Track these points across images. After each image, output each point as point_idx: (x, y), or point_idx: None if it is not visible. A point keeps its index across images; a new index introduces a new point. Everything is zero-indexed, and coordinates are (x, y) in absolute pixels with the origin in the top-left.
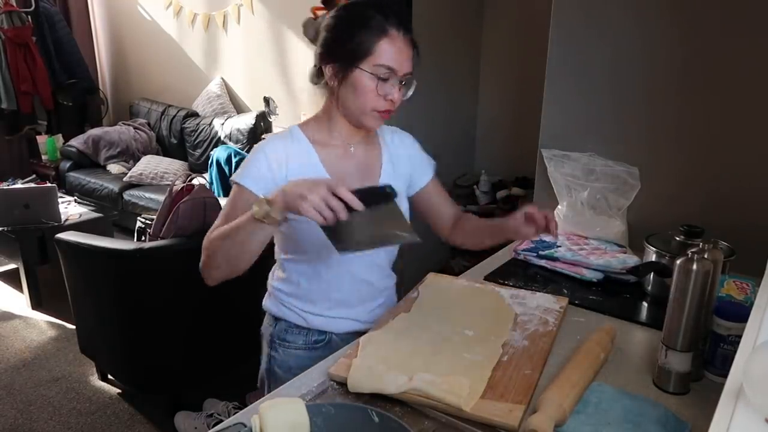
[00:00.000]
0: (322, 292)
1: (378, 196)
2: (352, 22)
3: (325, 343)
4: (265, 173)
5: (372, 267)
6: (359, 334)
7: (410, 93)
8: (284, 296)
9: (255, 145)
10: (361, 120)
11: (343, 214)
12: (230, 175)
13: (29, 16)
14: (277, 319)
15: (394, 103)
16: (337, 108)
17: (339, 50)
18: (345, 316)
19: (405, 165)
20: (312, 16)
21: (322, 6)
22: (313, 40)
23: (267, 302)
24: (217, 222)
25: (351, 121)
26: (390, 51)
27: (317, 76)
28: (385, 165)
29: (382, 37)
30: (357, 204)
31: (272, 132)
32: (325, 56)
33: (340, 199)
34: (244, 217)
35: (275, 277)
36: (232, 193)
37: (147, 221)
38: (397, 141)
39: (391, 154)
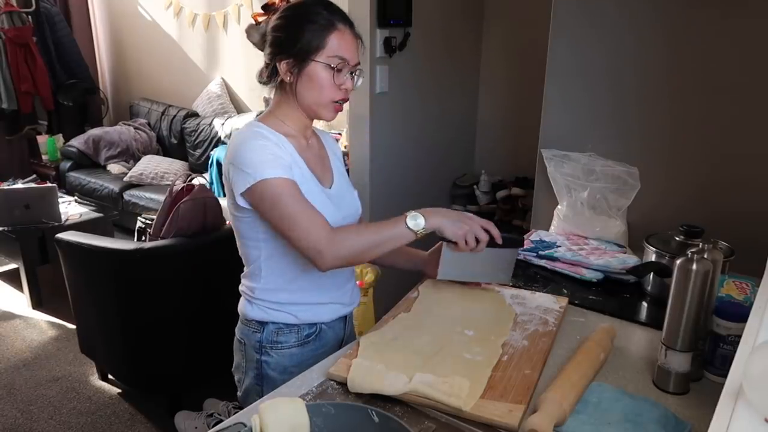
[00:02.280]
0: (311, 277)
1: (511, 243)
2: (301, 20)
3: (316, 335)
4: (283, 157)
5: None
6: (344, 318)
7: (359, 83)
8: (271, 296)
9: (239, 144)
10: (318, 112)
11: (483, 246)
12: None
13: (29, 16)
14: (263, 323)
15: (348, 92)
16: (294, 102)
17: (292, 47)
18: (332, 301)
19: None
20: (254, 22)
21: (262, 12)
22: (257, 44)
23: (247, 310)
24: (298, 217)
25: (308, 113)
26: (341, 43)
27: (269, 75)
28: (331, 156)
29: (332, 31)
30: (499, 240)
31: None
32: (278, 54)
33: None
34: (394, 228)
35: (255, 282)
36: (271, 187)
37: (147, 221)
38: (330, 140)
39: (330, 148)
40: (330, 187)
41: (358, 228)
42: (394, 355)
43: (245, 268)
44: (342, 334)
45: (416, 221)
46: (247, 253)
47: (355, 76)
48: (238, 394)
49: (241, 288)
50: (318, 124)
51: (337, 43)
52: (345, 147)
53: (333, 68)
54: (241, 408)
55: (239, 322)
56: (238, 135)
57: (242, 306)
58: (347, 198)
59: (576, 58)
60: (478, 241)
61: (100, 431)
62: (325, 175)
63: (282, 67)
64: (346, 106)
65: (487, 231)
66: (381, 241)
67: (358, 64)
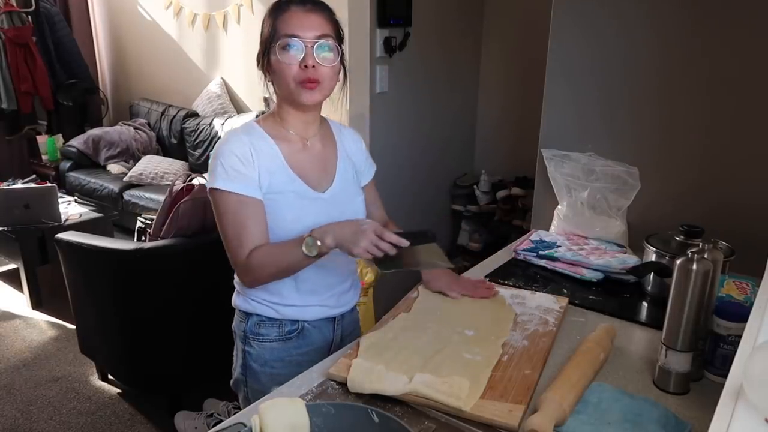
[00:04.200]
0: (289, 284)
1: (420, 237)
2: (263, 21)
3: (298, 333)
4: (242, 170)
5: (335, 254)
6: (331, 319)
7: (330, 54)
8: (253, 291)
9: (217, 145)
10: (294, 98)
11: (392, 252)
12: None
13: (29, 16)
14: (248, 314)
15: (314, 68)
16: (283, 102)
17: (260, 49)
18: (315, 303)
19: (355, 162)
20: None
21: None
22: None
23: (236, 299)
24: (230, 237)
25: (293, 107)
26: (289, 21)
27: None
28: (340, 161)
29: (280, 15)
30: (403, 242)
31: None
32: (258, 61)
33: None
34: (293, 255)
35: None
36: (220, 202)
37: (147, 221)
38: (349, 138)
39: (346, 150)
40: (324, 191)
41: (269, 252)
42: (394, 355)
43: None
44: (331, 337)
45: (310, 246)
46: None
47: (324, 51)
48: (231, 381)
49: (234, 279)
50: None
51: (284, 23)
52: None
53: (284, 48)
54: (240, 408)
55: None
56: (225, 133)
57: (233, 295)
58: (345, 203)
59: (576, 57)
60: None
61: (100, 431)
62: (320, 179)
63: (262, 71)
64: (346, 105)
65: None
66: (285, 268)
67: (322, 36)
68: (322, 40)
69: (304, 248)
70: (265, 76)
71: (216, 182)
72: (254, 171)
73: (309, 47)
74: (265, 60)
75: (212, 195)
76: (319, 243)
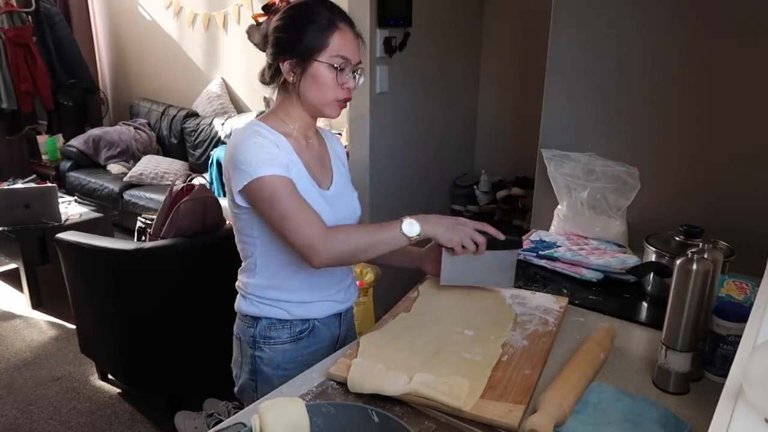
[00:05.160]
0: (303, 278)
1: (509, 244)
2: (303, 20)
3: (309, 332)
4: (280, 156)
5: None
6: (338, 315)
7: (361, 81)
8: (263, 292)
9: (237, 141)
10: (322, 110)
11: (482, 248)
12: None
13: (29, 16)
14: (256, 318)
15: (351, 91)
16: (297, 101)
17: (294, 47)
18: (325, 299)
19: (343, 164)
20: (254, 23)
21: (263, 13)
22: (259, 45)
23: (242, 305)
24: (295, 217)
25: (312, 112)
26: (342, 42)
27: (272, 75)
28: (332, 157)
29: (334, 31)
30: (500, 236)
31: None
32: (281, 54)
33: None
34: (387, 233)
35: (249, 278)
36: (268, 188)
37: (147, 221)
38: (336, 142)
39: (333, 149)
40: (327, 189)
41: (353, 228)
42: (394, 355)
43: (242, 263)
44: (338, 333)
45: (411, 227)
46: (243, 249)
47: (357, 75)
48: (235, 389)
49: (237, 283)
50: (320, 123)
51: (339, 43)
52: (345, 147)
53: (336, 68)
54: (240, 407)
55: (236, 318)
56: (236, 134)
57: (237, 301)
58: (345, 200)
59: (576, 57)
60: (477, 244)
61: (100, 431)
62: (323, 176)
63: (285, 67)
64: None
65: (483, 232)
66: (374, 243)
67: (360, 63)
68: (361, 66)
69: (404, 227)
70: (291, 76)
71: (260, 170)
72: (285, 159)
73: (354, 72)
74: (299, 63)
75: (257, 184)
76: (419, 225)
